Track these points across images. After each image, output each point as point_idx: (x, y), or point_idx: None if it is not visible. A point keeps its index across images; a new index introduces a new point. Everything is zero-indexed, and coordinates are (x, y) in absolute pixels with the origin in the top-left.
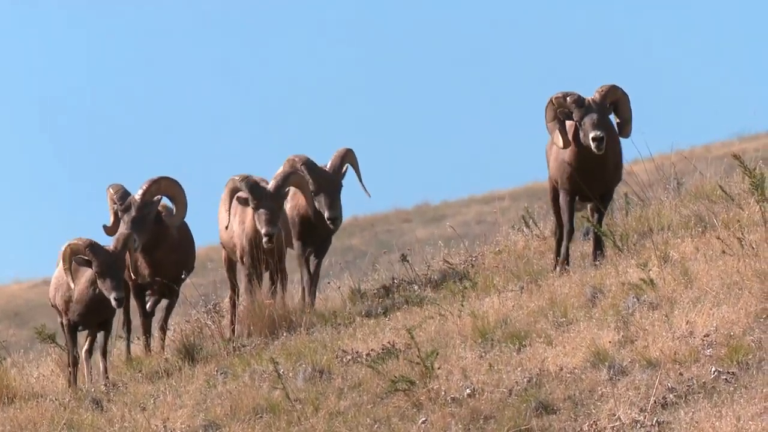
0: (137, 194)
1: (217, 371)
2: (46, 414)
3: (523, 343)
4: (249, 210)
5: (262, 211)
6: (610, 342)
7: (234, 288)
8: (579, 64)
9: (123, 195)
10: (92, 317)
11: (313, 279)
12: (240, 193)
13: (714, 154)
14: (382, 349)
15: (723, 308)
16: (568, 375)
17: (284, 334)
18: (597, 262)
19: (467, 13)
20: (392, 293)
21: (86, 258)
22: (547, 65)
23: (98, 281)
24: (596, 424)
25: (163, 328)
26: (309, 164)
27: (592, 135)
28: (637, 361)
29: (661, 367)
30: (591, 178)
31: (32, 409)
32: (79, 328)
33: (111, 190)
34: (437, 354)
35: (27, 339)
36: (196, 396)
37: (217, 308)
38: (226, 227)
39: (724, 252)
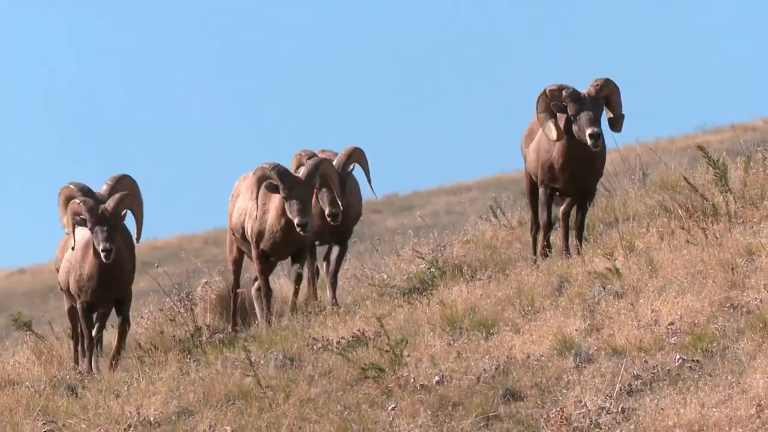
0: (103, 189)
1: (189, 359)
2: (21, 401)
3: (491, 331)
4: (274, 197)
5: (294, 201)
6: (576, 330)
7: (237, 277)
8: (544, 56)
9: (87, 192)
10: (105, 294)
11: (335, 269)
12: (270, 181)
13: (678, 145)
14: (352, 337)
15: (687, 297)
16: (535, 363)
17: (256, 322)
18: (567, 254)
19: (434, 6)
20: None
21: (82, 216)
22: (512, 57)
23: (93, 237)
24: (563, 411)
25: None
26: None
27: (589, 131)
28: (603, 348)
29: (626, 355)
30: (577, 172)
31: (8, 395)
32: (94, 310)
33: (72, 187)
34: (406, 342)
35: (3, 327)
36: (169, 383)
37: (190, 297)
38: (256, 216)
39: (688, 242)
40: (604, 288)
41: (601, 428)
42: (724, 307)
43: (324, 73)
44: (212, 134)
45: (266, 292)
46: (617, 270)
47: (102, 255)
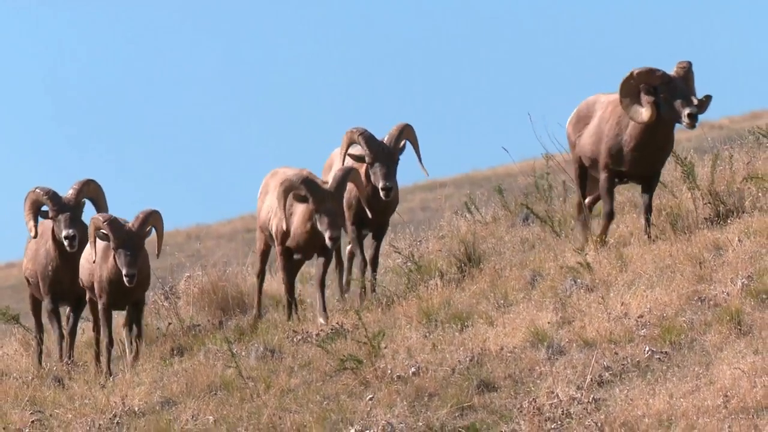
0: (69, 194)
1: (173, 350)
2: (9, 391)
3: (466, 323)
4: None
5: (324, 214)
6: (548, 323)
7: (262, 267)
8: (513, 55)
9: (54, 196)
10: (122, 298)
11: (373, 262)
12: (298, 191)
13: None
14: (331, 330)
15: (656, 290)
16: (508, 354)
17: (237, 315)
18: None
19: (407, 5)
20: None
21: (105, 233)
22: (486, 57)
23: (115, 256)
24: (535, 401)
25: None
26: (366, 135)
27: (687, 111)
28: (574, 341)
29: (597, 347)
30: (651, 154)
31: None
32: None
33: (39, 192)
34: (384, 334)
35: None
36: (153, 374)
37: (174, 290)
38: (285, 224)
39: (657, 237)
40: (575, 282)
41: (572, 418)
42: (691, 301)
43: (300, 72)
44: (200, 134)
45: (289, 288)
46: (588, 264)
47: (125, 280)
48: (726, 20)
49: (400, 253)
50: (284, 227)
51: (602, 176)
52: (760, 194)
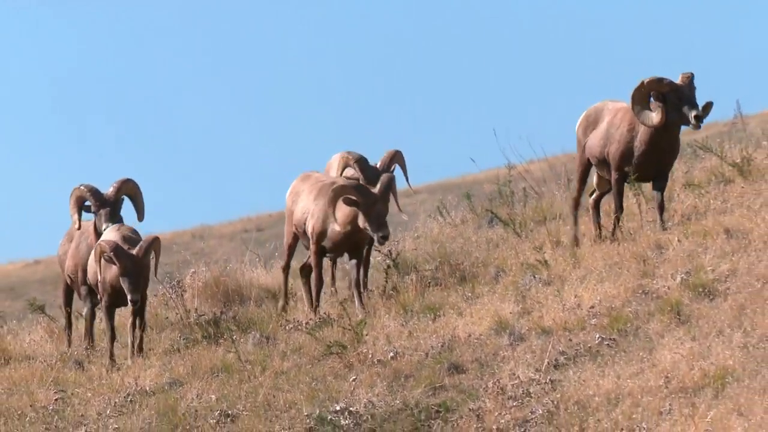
0: (109, 191)
1: (180, 337)
2: (36, 373)
3: (438, 313)
4: (339, 203)
5: (374, 215)
6: (510, 313)
7: (288, 260)
8: (480, 74)
9: (96, 192)
10: (122, 299)
11: (365, 268)
12: (350, 196)
13: None
14: (320, 319)
15: (605, 284)
16: (475, 340)
17: (237, 306)
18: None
19: (378, 11)
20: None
21: (111, 257)
22: (456, 76)
23: (120, 280)
24: (499, 382)
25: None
26: (361, 162)
27: (694, 113)
28: (533, 329)
29: (553, 334)
30: (659, 157)
31: (25, 369)
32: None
33: (83, 188)
34: (365, 323)
35: (20, 310)
36: (163, 358)
37: (180, 284)
38: (337, 225)
39: (606, 237)
40: (534, 277)
41: (531, 397)
42: (637, 293)
43: (299, 78)
44: (205, 140)
45: (318, 282)
46: (546, 261)
47: (130, 304)
48: (667, 41)
49: (380, 251)
50: (322, 228)
51: (614, 176)
52: (696, 200)
